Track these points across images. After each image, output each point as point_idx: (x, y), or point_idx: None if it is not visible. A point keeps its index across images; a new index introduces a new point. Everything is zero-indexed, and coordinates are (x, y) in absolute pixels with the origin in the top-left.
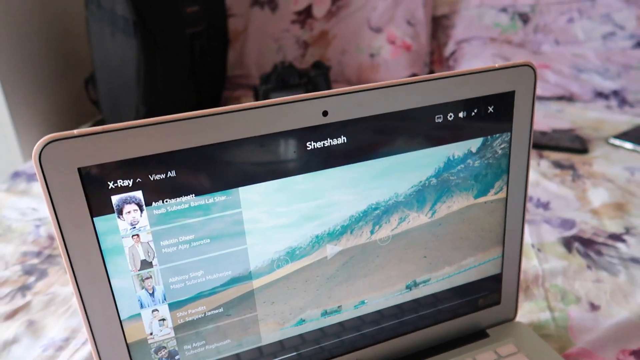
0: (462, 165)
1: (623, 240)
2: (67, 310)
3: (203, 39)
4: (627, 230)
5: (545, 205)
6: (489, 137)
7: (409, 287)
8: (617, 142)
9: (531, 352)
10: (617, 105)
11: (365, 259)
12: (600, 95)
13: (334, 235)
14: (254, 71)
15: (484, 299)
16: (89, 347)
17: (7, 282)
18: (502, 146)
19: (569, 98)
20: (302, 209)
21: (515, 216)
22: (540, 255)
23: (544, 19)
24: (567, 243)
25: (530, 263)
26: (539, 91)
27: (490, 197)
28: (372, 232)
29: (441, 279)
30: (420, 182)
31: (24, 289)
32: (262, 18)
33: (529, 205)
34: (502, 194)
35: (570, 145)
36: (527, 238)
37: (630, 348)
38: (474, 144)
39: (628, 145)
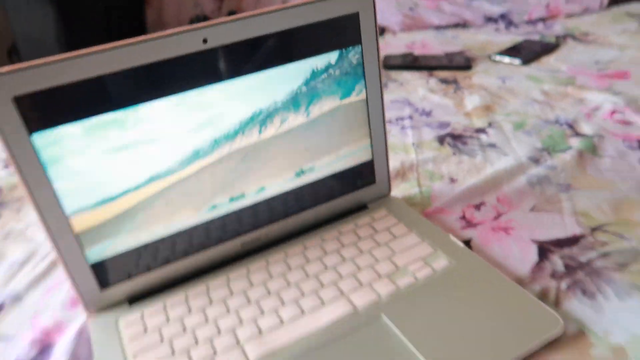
0: (326, 75)
1: (485, 132)
2: (23, 240)
3: (119, 8)
4: (490, 125)
5: (428, 114)
6: (343, 50)
7: (298, 174)
8: (498, 57)
9: (399, 214)
10: (505, 27)
11: (258, 154)
12: (490, 19)
13: (229, 137)
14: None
15: (361, 180)
16: (46, 262)
17: None
18: (355, 57)
19: (463, 25)
20: (199, 118)
21: (376, 112)
22: (418, 151)
23: None
24: (441, 139)
25: (409, 157)
26: (436, 21)
27: (353, 98)
28: (260, 132)
29: (323, 166)
30: (293, 90)
31: None
32: None
33: (414, 114)
34: (363, 96)
35: (457, 64)
36: (410, 139)
37: (473, 204)
38: (332, 56)
39: (506, 59)
